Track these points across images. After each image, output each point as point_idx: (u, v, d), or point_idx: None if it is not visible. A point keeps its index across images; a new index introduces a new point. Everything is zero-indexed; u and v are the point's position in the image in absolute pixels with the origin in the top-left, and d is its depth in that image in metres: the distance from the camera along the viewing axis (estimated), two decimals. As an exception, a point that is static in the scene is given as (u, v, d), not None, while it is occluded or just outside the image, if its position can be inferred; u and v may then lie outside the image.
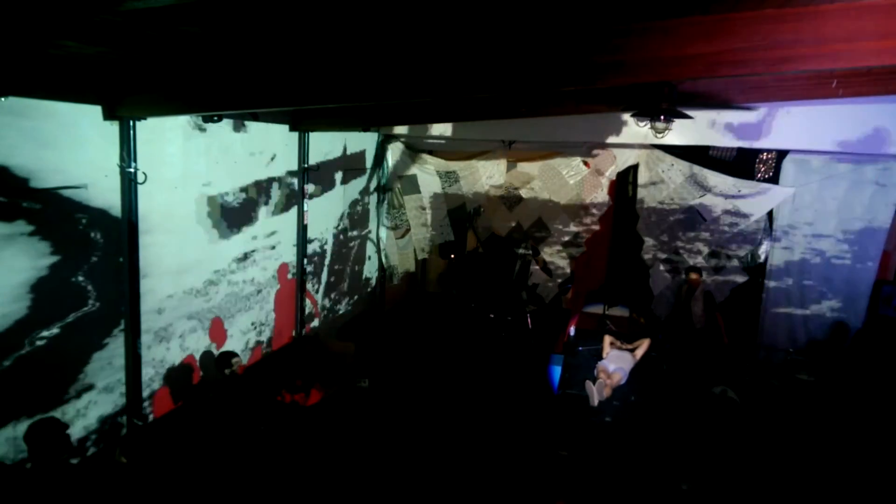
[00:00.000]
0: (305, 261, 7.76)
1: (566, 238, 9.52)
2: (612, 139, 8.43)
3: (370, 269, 10.02)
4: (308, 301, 8.00)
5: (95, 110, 4.55)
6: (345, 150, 8.67)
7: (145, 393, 5.36)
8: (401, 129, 9.46)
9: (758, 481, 5.79)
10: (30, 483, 3.97)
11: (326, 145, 8.06)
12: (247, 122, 6.34)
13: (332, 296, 8.82)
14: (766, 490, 5.72)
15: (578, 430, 6.34)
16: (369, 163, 9.49)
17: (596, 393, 6.44)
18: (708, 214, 8.47)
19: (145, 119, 4.82)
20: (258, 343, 7.05)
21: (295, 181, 7.44)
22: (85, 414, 4.80)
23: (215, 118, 5.49)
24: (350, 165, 8.84)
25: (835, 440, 6.55)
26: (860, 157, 7.57)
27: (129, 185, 4.83)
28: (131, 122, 4.75)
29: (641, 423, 6.38)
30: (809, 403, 7.45)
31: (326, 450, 5.80)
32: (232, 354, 5.70)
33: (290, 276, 7.57)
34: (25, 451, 4.19)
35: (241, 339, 6.70)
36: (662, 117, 6.23)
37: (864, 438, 6.58)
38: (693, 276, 7.92)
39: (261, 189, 6.76)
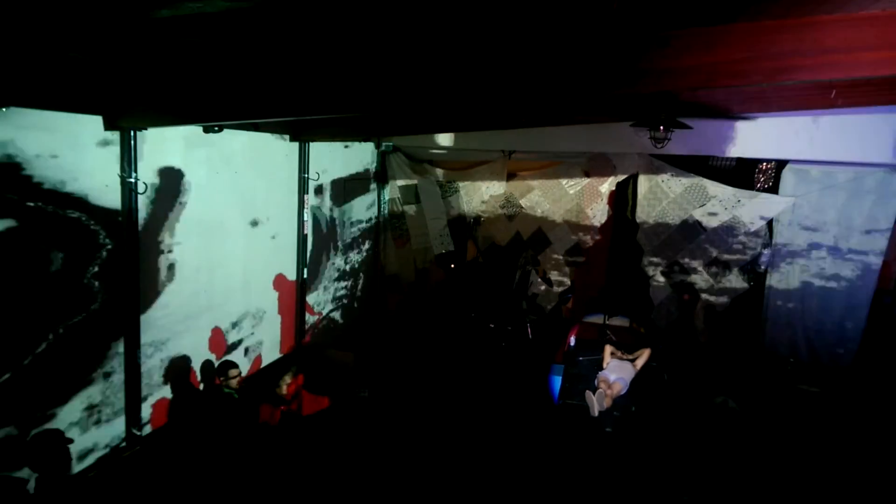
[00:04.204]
0: (305, 271, 7.75)
1: (566, 248, 9.52)
2: (611, 149, 8.44)
3: (370, 279, 10.00)
4: (308, 311, 7.99)
5: (96, 120, 4.57)
6: (345, 159, 8.69)
7: (144, 404, 5.35)
8: (401, 140, 9.49)
9: (759, 492, 5.75)
10: (30, 496, 3.95)
11: (327, 155, 8.08)
12: (248, 133, 6.37)
13: (332, 305, 8.80)
14: (768, 500, 5.69)
15: (578, 441, 6.31)
16: (370, 173, 9.50)
17: (596, 403, 6.41)
18: (707, 224, 8.47)
19: (146, 129, 4.83)
20: (258, 353, 7.03)
21: (295, 191, 7.45)
22: (83, 422, 4.77)
23: (216, 129, 5.50)
24: (350, 175, 8.86)
25: (837, 450, 6.52)
26: (859, 167, 7.57)
27: (130, 194, 4.84)
28: (132, 133, 4.76)
29: (642, 433, 6.34)
30: (811, 413, 7.42)
31: (326, 460, 5.77)
32: (231, 365, 5.67)
33: (289, 286, 7.56)
34: (21, 459, 4.17)
35: (240, 349, 6.68)
36: (662, 127, 6.26)
37: (866, 448, 6.54)
38: (685, 297, 7.94)
39: (261, 198, 6.77)
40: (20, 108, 3.95)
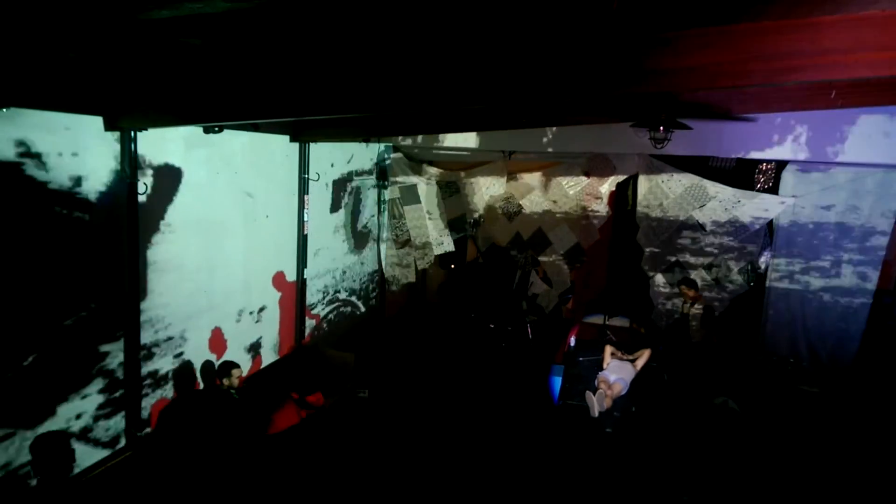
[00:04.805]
0: (305, 271, 7.75)
1: (566, 248, 9.53)
2: (611, 149, 8.44)
3: (370, 279, 10.00)
4: (307, 311, 7.99)
5: (97, 121, 4.57)
6: (345, 160, 8.69)
7: (144, 404, 5.35)
8: (402, 140, 9.49)
9: (759, 492, 5.76)
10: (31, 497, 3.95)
11: (327, 156, 8.08)
12: (248, 133, 6.37)
13: (332, 306, 8.80)
14: (768, 500, 5.69)
15: (578, 441, 6.31)
16: (370, 173, 9.51)
17: (596, 404, 6.41)
18: (708, 225, 8.48)
19: (146, 130, 4.84)
20: (258, 353, 7.03)
21: (295, 191, 7.45)
22: (82, 422, 4.78)
23: (216, 129, 5.51)
24: (350, 176, 8.86)
25: (837, 450, 6.52)
26: (859, 167, 7.58)
27: (130, 195, 4.84)
28: (132, 133, 4.76)
29: (642, 433, 6.34)
30: (811, 414, 7.42)
31: (326, 460, 5.77)
32: (232, 365, 5.67)
33: (289, 286, 7.56)
34: (22, 462, 4.17)
35: (240, 350, 6.68)
36: (662, 128, 6.26)
37: (867, 449, 6.55)
38: (683, 288, 7.89)
39: (261, 198, 6.77)
40: (21, 109, 3.96)
